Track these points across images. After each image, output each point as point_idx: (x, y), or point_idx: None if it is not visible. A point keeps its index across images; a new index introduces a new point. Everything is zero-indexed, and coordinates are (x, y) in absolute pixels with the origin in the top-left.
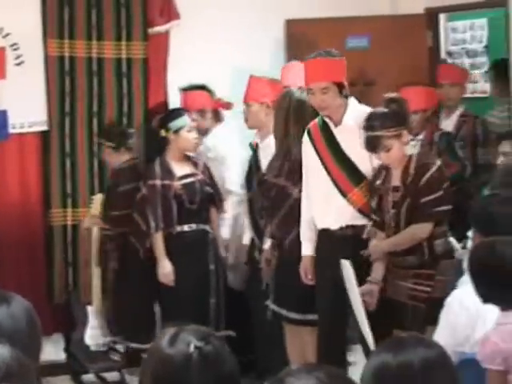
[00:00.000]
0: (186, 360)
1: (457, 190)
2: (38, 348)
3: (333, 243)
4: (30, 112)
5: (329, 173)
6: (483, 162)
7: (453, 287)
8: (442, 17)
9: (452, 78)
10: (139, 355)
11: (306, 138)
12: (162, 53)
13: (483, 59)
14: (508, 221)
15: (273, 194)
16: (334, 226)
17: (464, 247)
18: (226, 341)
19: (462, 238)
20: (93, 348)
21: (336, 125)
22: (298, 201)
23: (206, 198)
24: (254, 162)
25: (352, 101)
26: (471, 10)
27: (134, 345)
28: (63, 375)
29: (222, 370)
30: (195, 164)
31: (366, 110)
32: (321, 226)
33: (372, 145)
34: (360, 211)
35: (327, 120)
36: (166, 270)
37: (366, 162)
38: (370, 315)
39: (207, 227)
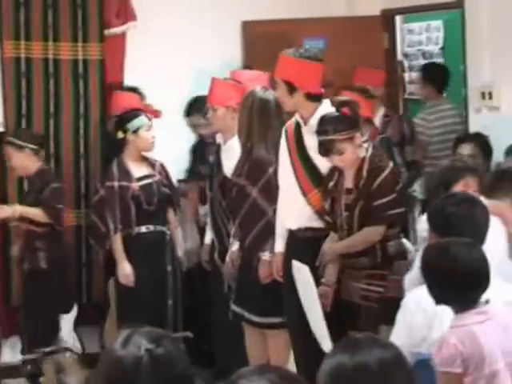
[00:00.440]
0: (137, 362)
1: None
2: None
3: (294, 244)
4: None
5: (294, 171)
6: (411, 160)
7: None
8: (398, 18)
9: (367, 81)
10: (96, 357)
11: (283, 136)
12: (118, 54)
13: (439, 61)
14: (463, 222)
15: (234, 194)
16: (293, 226)
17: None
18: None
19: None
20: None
21: (305, 124)
22: (257, 200)
23: (163, 199)
24: (216, 164)
25: (324, 104)
26: (427, 12)
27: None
28: (20, 377)
29: (174, 372)
30: (152, 165)
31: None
32: (284, 225)
33: (325, 149)
34: (318, 213)
35: (298, 119)
36: (125, 271)
37: (326, 164)
38: (326, 317)
39: (164, 228)
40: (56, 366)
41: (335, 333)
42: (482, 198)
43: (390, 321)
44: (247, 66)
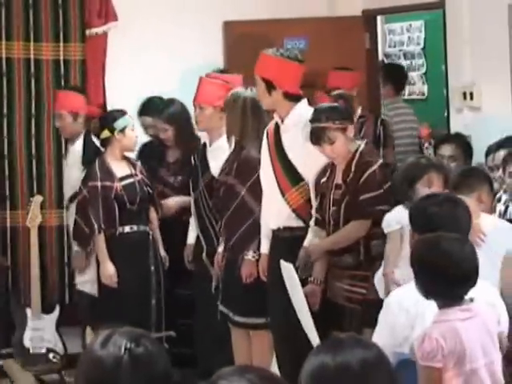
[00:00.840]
0: (117, 362)
1: None
2: None
3: (275, 245)
4: None
5: (274, 171)
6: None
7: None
8: (379, 19)
9: (341, 83)
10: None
11: (264, 137)
12: (99, 54)
13: (420, 61)
14: (445, 222)
15: (221, 193)
16: (273, 225)
17: None
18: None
19: None
20: (32, 350)
21: (282, 122)
22: (245, 199)
23: (145, 198)
24: (202, 163)
25: (301, 103)
26: (408, 12)
27: None
28: (2, 378)
29: (154, 371)
30: (133, 165)
31: (310, 112)
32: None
33: (316, 136)
34: (295, 212)
35: (277, 119)
36: (109, 271)
37: (303, 164)
38: (313, 315)
39: (147, 228)
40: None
41: (322, 332)
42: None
43: (373, 324)
44: (222, 70)
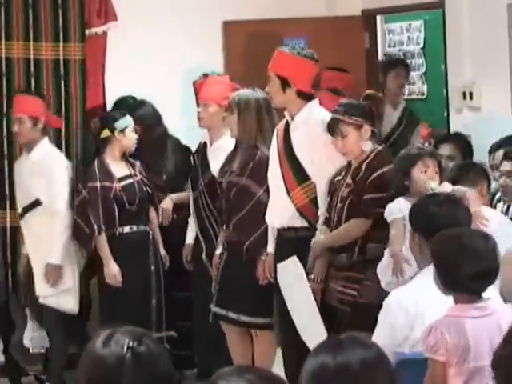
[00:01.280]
0: (119, 361)
1: None
2: None
3: (280, 245)
4: None
5: (281, 168)
6: None
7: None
8: (378, 18)
9: (333, 84)
10: (79, 357)
11: (274, 135)
12: (99, 54)
13: (420, 61)
14: (446, 221)
15: (232, 194)
16: (277, 224)
17: None
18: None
19: None
20: (32, 350)
21: (292, 120)
22: (262, 200)
23: (144, 198)
24: (202, 162)
25: (312, 103)
26: (408, 12)
27: None
28: (2, 378)
29: (156, 370)
30: (132, 165)
31: (321, 113)
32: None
33: (331, 127)
34: (299, 211)
35: (287, 117)
36: (113, 271)
37: (311, 163)
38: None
39: (147, 228)
40: None
41: None
42: (447, 183)
43: (361, 327)
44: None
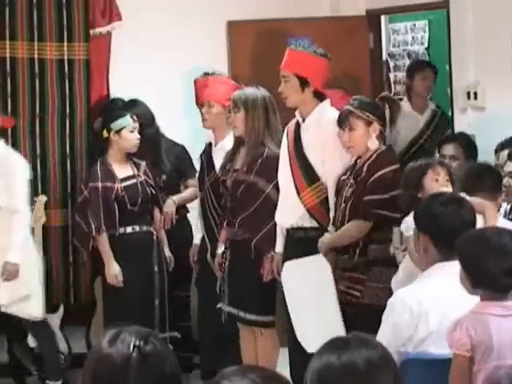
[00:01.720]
0: (126, 360)
1: None
2: None
3: (288, 244)
4: None
5: (291, 168)
6: None
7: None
8: (383, 18)
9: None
10: (83, 357)
11: (284, 135)
12: (103, 54)
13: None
14: (450, 221)
15: (240, 191)
16: (286, 224)
17: None
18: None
19: None
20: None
21: (303, 121)
22: (271, 197)
23: (147, 199)
24: (207, 163)
25: (323, 103)
26: (412, 12)
27: None
28: (6, 377)
29: (163, 370)
30: (137, 165)
31: (332, 113)
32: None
33: (342, 118)
34: (309, 212)
35: (297, 115)
36: (114, 271)
37: (321, 163)
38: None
39: (151, 228)
40: None
41: None
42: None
43: (363, 328)
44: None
